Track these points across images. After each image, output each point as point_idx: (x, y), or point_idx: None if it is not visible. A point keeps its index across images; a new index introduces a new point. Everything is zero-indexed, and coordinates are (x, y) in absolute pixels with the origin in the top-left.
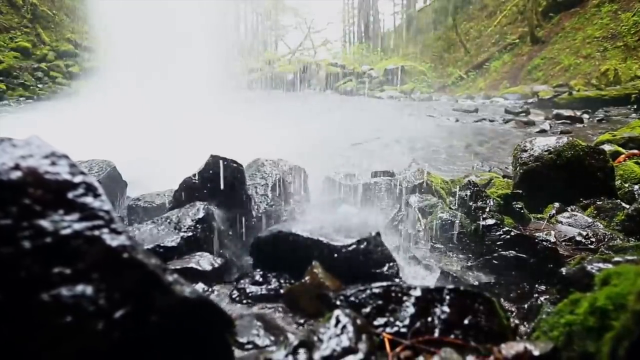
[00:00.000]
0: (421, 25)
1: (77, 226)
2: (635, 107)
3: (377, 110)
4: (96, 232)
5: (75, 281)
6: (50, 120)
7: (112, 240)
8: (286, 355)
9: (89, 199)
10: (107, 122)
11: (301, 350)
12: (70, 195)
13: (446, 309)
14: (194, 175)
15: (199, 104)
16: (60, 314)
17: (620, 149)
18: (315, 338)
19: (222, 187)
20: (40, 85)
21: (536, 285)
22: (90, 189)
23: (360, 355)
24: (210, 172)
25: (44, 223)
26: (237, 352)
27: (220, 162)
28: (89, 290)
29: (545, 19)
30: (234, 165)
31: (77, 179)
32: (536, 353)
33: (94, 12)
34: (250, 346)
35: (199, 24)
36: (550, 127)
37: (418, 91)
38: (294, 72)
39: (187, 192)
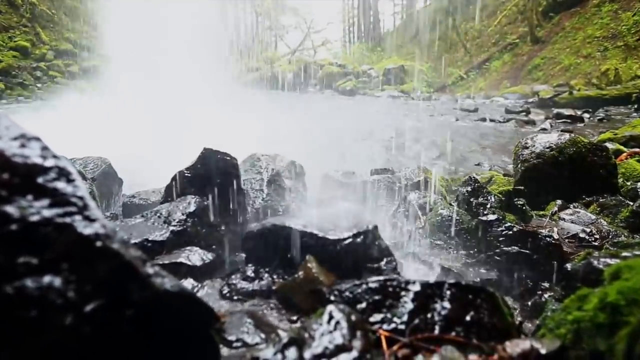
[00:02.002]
0: (421, 25)
1: (47, 213)
2: (636, 106)
3: (377, 110)
4: (68, 219)
5: (43, 272)
6: (48, 119)
7: (85, 228)
8: (275, 353)
9: (60, 184)
10: (104, 120)
11: (291, 348)
12: (40, 179)
13: (447, 304)
14: (187, 168)
15: (197, 102)
16: (24, 307)
17: (621, 147)
18: (307, 335)
19: (215, 180)
20: (39, 85)
21: (540, 282)
22: (63, 174)
23: (355, 353)
24: (203, 165)
25: (10, 209)
26: (225, 350)
27: (214, 155)
28: (57, 281)
29: (546, 19)
30: (228, 158)
31: (49, 162)
32: (543, 351)
33: (93, 11)
34: (239, 344)
35: (197, 23)
36: (551, 126)
37: (418, 91)
38: (294, 71)
39: (180, 186)
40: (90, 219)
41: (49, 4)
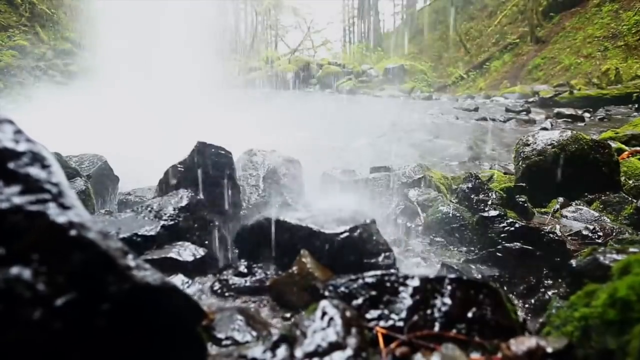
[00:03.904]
0: (421, 25)
1: (18, 200)
2: (636, 106)
3: (377, 109)
4: (40, 207)
5: (10, 263)
6: (46, 117)
7: (58, 216)
8: (264, 351)
9: (34, 170)
10: (103, 119)
11: (282, 346)
12: (11, 165)
13: (447, 300)
14: (180, 162)
15: (196, 101)
16: None
17: (623, 146)
18: (299, 332)
19: (209, 174)
20: (38, 84)
21: (543, 279)
22: (37, 159)
23: (349, 351)
24: (197, 159)
25: None
26: (214, 349)
27: (208, 149)
28: (26, 273)
29: (546, 19)
30: (222, 152)
31: (22, 147)
32: (549, 350)
33: (93, 11)
34: (228, 342)
35: (197, 23)
36: (552, 125)
37: (418, 90)
38: (294, 71)
39: (172, 180)
40: (64, 207)
41: (48, 3)
